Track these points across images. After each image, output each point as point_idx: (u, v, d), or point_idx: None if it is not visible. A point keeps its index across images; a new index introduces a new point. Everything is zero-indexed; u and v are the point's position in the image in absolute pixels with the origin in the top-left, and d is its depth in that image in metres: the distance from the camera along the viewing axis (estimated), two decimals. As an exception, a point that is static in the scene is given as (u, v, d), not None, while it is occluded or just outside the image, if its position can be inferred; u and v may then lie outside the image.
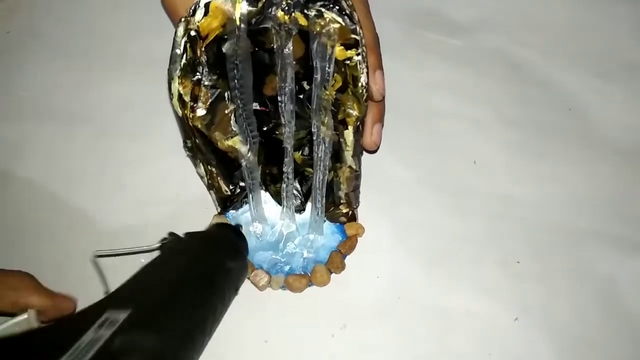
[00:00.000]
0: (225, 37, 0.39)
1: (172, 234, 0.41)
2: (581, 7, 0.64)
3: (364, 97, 0.39)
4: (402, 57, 0.59)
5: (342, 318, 0.47)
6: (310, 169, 0.47)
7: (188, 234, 0.41)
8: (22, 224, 0.51)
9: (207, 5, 0.37)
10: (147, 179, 0.52)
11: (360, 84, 0.38)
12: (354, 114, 0.40)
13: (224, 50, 0.39)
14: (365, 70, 0.38)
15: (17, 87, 0.57)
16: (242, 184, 0.48)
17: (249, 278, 0.47)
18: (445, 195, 0.53)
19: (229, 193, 0.48)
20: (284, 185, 0.46)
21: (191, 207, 0.51)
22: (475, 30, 0.63)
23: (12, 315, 0.38)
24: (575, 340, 0.47)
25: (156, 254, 0.40)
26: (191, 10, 0.37)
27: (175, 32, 0.38)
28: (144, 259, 0.38)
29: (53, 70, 0.58)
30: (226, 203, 0.49)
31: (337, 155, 0.43)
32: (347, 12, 0.37)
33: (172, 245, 0.40)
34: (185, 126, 0.41)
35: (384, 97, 0.41)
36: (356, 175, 0.45)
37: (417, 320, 0.47)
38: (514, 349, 0.46)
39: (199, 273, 0.37)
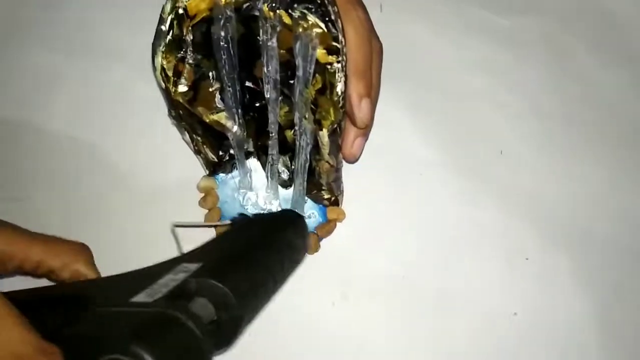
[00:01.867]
0: (213, 19, 0.38)
1: (241, 214, 0.45)
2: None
3: (340, 105, 0.38)
4: (443, 32, 0.56)
5: (343, 288, 0.48)
6: (301, 147, 0.47)
7: (256, 214, 0.45)
8: (46, 158, 0.52)
9: (195, -13, 0.37)
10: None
11: (335, 92, 0.37)
12: (329, 118, 0.39)
13: (212, 30, 0.39)
14: (342, 79, 0.37)
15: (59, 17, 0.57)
16: (232, 151, 0.49)
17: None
18: (464, 181, 0.51)
19: (216, 160, 0.48)
20: (268, 166, 0.47)
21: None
22: (525, 11, 0.59)
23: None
24: (568, 345, 0.47)
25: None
26: (179, -11, 0.37)
27: (163, 8, 0.38)
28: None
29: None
30: (215, 167, 0.49)
31: (317, 147, 0.43)
32: (332, 18, 0.35)
33: (242, 222, 0.43)
34: (169, 98, 0.42)
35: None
36: (335, 169, 0.45)
37: (418, 301, 0.47)
38: (509, 343, 0.47)
39: (264, 242, 0.39)
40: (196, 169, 0.50)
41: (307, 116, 0.40)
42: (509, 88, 0.55)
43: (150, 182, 0.51)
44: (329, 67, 0.37)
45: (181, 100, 0.41)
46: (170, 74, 0.40)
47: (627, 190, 0.52)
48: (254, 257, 0.35)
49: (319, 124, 0.40)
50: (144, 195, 0.50)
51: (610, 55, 0.56)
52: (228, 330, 0.31)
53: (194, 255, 0.35)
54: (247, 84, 0.44)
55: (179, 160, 0.51)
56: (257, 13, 0.38)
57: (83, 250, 0.41)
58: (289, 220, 0.44)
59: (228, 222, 0.43)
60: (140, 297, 0.28)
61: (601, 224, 0.50)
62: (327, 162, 0.43)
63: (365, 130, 0.42)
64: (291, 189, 0.50)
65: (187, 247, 0.38)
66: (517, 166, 0.52)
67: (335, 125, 0.40)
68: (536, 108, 0.54)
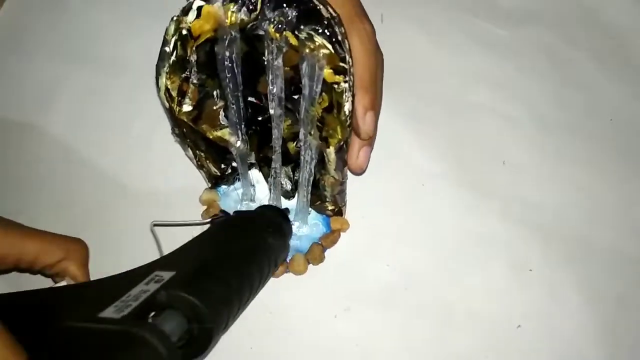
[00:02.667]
0: (217, 39, 0.38)
1: (222, 211, 0.45)
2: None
3: (347, 124, 0.38)
4: (443, 42, 0.56)
5: (346, 300, 0.48)
6: (304, 159, 0.47)
7: (236, 212, 0.45)
8: (47, 165, 0.52)
9: (199, 9, 0.36)
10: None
11: (343, 111, 0.37)
12: (336, 136, 0.39)
13: (216, 50, 0.38)
14: (350, 99, 0.37)
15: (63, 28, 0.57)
16: (234, 164, 0.48)
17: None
18: (467, 192, 0.51)
19: (219, 174, 0.48)
20: (271, 179, 0.47)
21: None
22: (524, 21, 0.59)
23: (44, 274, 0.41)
24: (572, 356, 0.47)
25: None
26: (183, 11, 0.37)
27: (166, 30, 0.37)
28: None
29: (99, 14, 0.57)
30: (217, 180, 0.49)
31: (322, 162, 0.43)
32: (339, 39, 0.35)
33: (221, 220, 0.44)
34: (173, 117, 0.41)
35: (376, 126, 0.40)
36: (340, 183, 0.45)
37: (420, 312, 0.48)
38: (513, 356, 0.47)
39: (241, 245, 0.39)
40: (198, 180, 0.50)
41: (312, 132, 0.40)
42: (510, 98, 0.55)
43: (152, 193, 0.51)
44: (335, 86, 0.37)
45: (185, 120, 0.41)
46: (174, 94, 0.39)
47: (631, 200, 0.52)
48: (228, 264, 0.36)
49: (325, 141, 0.40)
50: (145, 207, 0.50)
51: (611, 65, 0.56)
52: (201, 341, 0.31)
53: (169, 261, 0.36)
54: (250, 99, 0.44)
55: (181, 171, 0.51)
56: (261, 32, 0.37)
57: (78, 248, 0.42)
58: (269, 220, 0.44)
59: (207, 220, 0.44)
60: (109, 312, 0.28)
61: (605, 234, 0.50)
62: (332, 177, 0.43)
63: (370, 141, 0.42)
64: (294, 200, 0.50)
65: (170, 247, 0.38)
66: (520, 177, 0.52)
67: (341, 144, 0.40)
68: (538, 118, 0.54)
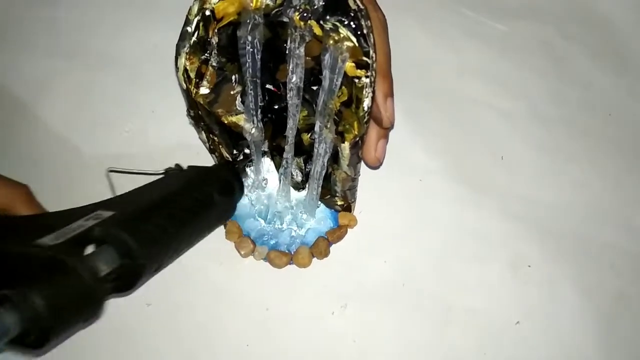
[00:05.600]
0: (240, 23, 0.37)
1: (177, 165, 0.45)
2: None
3: (365, 120, 0.37)
4: (441, 36, 0.56)
5: (343, 297, 0.48)
6: (317, 151, 0.47)
7: (190, 166, 0.45)
8: (39, 162, 0.51)
9: (225, -10, 0.36)
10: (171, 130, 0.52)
11: (362, 107, 0.36)
12: (352, 132, 0.38)
13: (238, 34, 0.38)
14: (370, 94, 0.36)
15: (53, 22, 0.56)
16: (246, 150, 0.48)
17: (235, 242, 0.48)
18: (465, 188, 0.51)
19: (230, 159, 0.48)
20: (282, 169, 0.46)
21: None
22: (522, 16, 0.58)
23: None
24: (570, 353, 0.47)
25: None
26: (208, -9, 0.36)
27: (190, 9, 0.37)
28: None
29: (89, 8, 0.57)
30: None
31: (335, 156, 0.42)
32: (364, 32, 0.34)
33: (174, 172, 0.44)
34: (189, 99, 0.41)
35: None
36: (352, 179, 0.44)
37: (418, 309, 0.47)
38: (510, 353, 0.47)
39: (186, 197, 0.39)
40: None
41: (328, 126, 0.40)
42: (508, 93, 0.55)
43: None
44: (356, 80, 0.36)
45: (202, 102, 0.40)
46: (192, 75, 0.39)
47: (629, 196, 0.52)
48: (168, 211, 0.36)
49: (341, 136, 0.39)
50: None
51: (608, 61, 0.56)
52: (129, 276, 0.33)
53: (113, 203, 0.37)
54: (268, 86, 0.43)
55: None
56: (285, 19, 0.37)
57: (21, 191, 0.42)
58: (219, 178, 0.44)
59: (161, 170, 0.44)
60: (46, 240, 0.30)
61: (603, 230, 0.50)
62: (344, 172, 0.43)
63: (387, 132, 0.41)
64: (303, 192, 0.49)
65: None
66: (518, 171, 0.52)
67: (357, 140, 0.39)
68: (536, 113, 0.54)
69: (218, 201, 0.42)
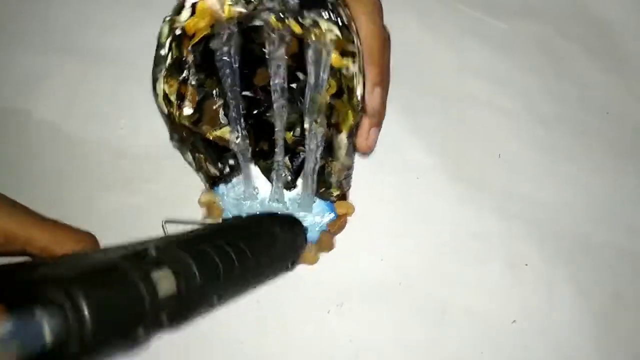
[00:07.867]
0: (213, 35, 0.36)
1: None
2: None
3: (360, 107, 0.37)
4: (440, 34, 0.56)
5: (340, 295, 0.47)
6: (302, 147, 0.46)
7: (249, 215, 0.44)
8: (33, 158, 0.49)
9: (193, 6, 0.35)
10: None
11: (355, 96, 0.36)
12: (348, 121, 0.38)
13: (211, 46, 0.37)
14: (361, 81, 0.36)
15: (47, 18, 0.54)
16: (231, 162, 0.47)
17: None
18: (462, 186, 0.51)
19: (217, 174, 0.47)
20: (273, 172, 0.46)
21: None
22: (522, 14, 0.58)
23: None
24: (567, 352, 0.47)
25: None
26: (175, 10, 0.35)
27: (160, 32, 0.35)
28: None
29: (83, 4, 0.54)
30: (215, 180, 0.48)
31: (329, 149, 0.42)
32: (345, 21, 0.34)
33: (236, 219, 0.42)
34: (172, 124, 0.40)
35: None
36: (348, 167, 0.44)
37: (415, 308, 0.47)
38: (507, 352, 0.46)
39: (252, 232, 0.37)
40: (189, 174, 0.48)
41: (319, 120, 0.39)
42: (507, 91, 0.55)
43: (143, 185, 0.49)
44: (344, 71, 0.36)
45: (187, 123, 0.39)
46: (172, 98, 0.38)
47: (627, 194, 0.52)
48: (235, 242, 0.33)
49: (336, 127, 0.39)
50: (135, 199, 0.48)
51: (606, 60, 0.57)
52: (187, 303, 0.28)
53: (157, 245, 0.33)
54: (245, 93, 0.42)
55: (170, 165, 0.49)
56: (258, 23, 0.36)
57: (89, 241, 0.39)
58: (286, 219, 0.43)
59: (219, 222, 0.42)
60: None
61: (601, 229, 0.51)
62: (341, 162, 0.43)
63: (379, 120, 0.41)
64: (294, 191, 0.49)
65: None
66: (516, 170, 0.52)
67: (354, 128, 0.39)
68: (534, 112, 0.54)
69: (281, 236, 0.40)
